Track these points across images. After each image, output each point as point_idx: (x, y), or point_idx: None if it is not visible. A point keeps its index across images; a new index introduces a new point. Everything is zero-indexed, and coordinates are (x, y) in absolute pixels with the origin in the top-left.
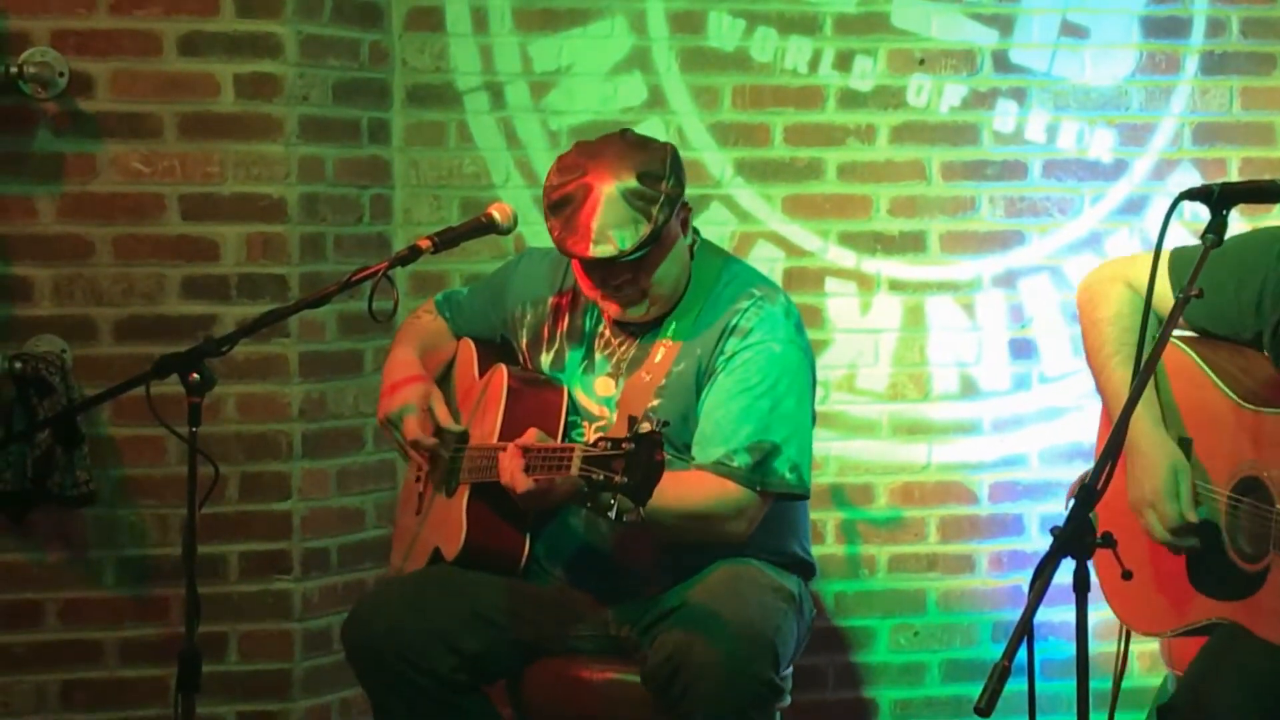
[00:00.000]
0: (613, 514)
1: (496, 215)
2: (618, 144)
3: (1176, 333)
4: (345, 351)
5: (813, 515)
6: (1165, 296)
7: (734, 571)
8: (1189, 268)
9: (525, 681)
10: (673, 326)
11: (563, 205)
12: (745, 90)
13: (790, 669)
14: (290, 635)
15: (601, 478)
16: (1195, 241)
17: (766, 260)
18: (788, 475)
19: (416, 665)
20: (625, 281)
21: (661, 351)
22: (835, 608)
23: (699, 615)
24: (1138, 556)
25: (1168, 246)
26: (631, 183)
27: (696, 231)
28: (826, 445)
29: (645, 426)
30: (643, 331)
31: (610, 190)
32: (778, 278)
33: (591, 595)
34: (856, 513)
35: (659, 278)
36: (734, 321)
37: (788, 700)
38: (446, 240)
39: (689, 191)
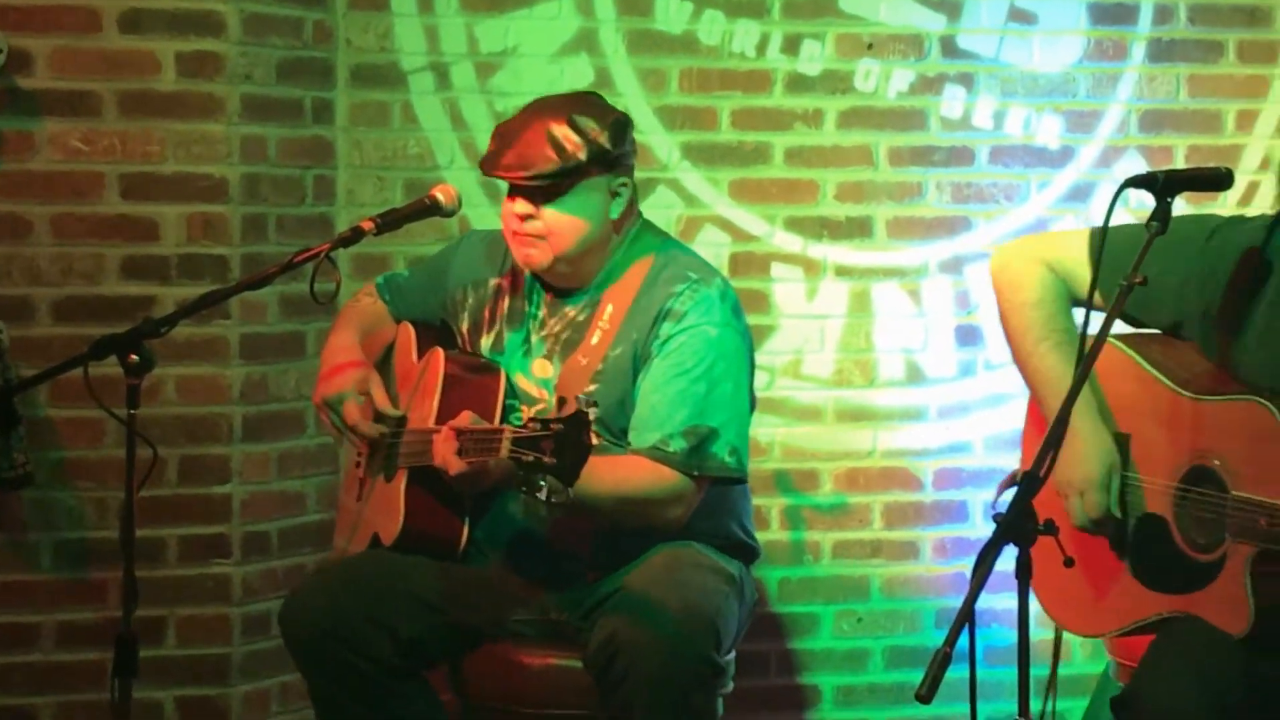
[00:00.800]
0: (542, 495)
1: (440, 197)
2: (576, 95)
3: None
4: (287, 334)
5: (757, 501)
6: (1084, 275)
7: (674, 554)
8: (1112, 246)
9: (466, 666)
10: (609, 309)
11: (500, 133)
12: (692, 73)
13: (732, 653)
14: (229, 620)
15: (531, 459)
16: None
17: (713, 245)
18: (726, 459)
19: (354, 650)
20: (528, 215)
21: (598, 334)
22: (779, 593)
23: (638, 597)
24: (1089, 561)
25: (1090, 224)
26: (563, 124)
27: (643, 216)
28: (772, 431)
29: (573, 407)
30: (580, 314)
31: (542, 124)
32: (724, 262)
33: (530, 580)
34: (801, 499)
35: (561, 226)
36: (669, 305)
37: (730, 685)
38: (390, 222)
39: (636, 175)
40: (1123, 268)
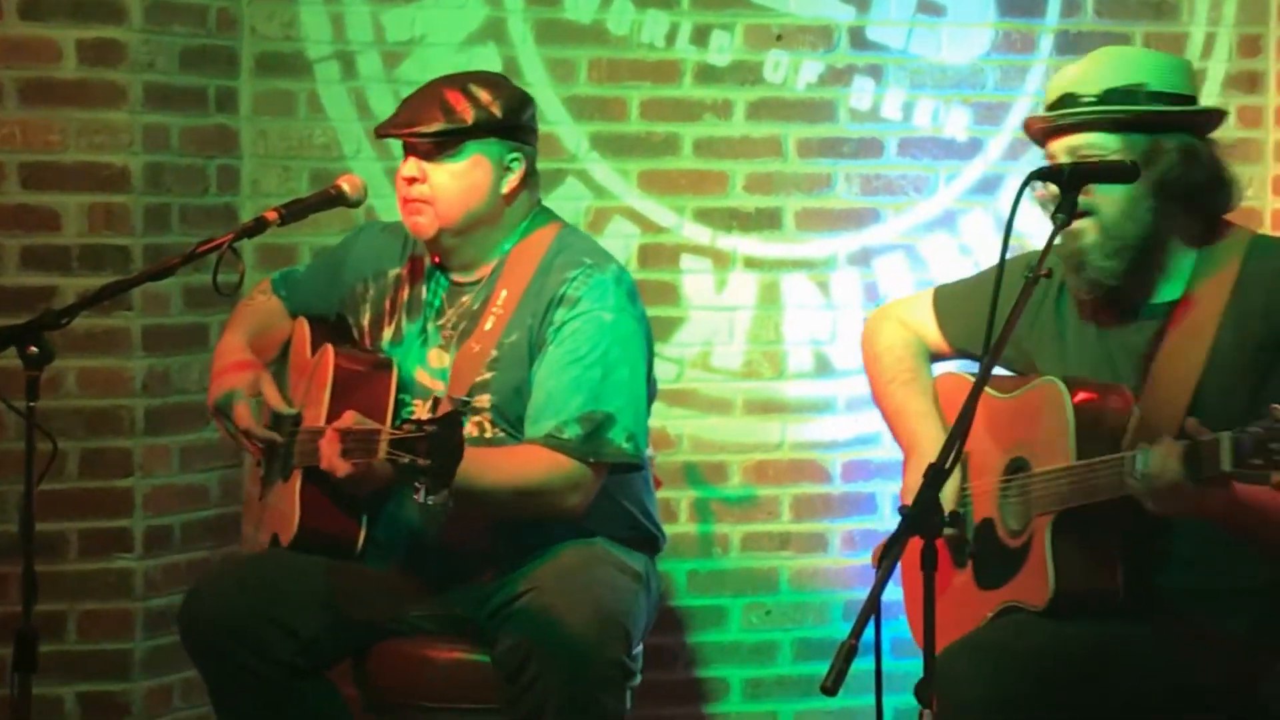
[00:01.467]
0: (420, 497)
1: (346, 187)
2: (480, 71)
3: (955, 368)
4: (190, 325)
5: (666, 494)
6: (930, 327)
7: (581, 553)
8: (953, 304)
9: (370, 662)
10: (503, 295)
11: (402, 102)
12: (601, 63)
13: (640, 647)
14: (131, 614)
15: (407, 460)
16: (1043, 226)
17: (621, 236)
18: (624, 444)
19: (252, 650)
20: (415, 179)
21: (491, 320)
22: (687, 586)
23: (549, 601)
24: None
25: (938, 281)
26: (456, 90)
27: (542, 203)
28: (680, 423)
29: (447, 407)
30: (476, 302)
31: (437, 90)
32: (633, 254)
33: (431, 578)
34: (710, 491)
35: (447, 191)
36: (563, 291)
37: (638, 679)
38: (294, 212)
39: (542, 165)
40: (959, 314)
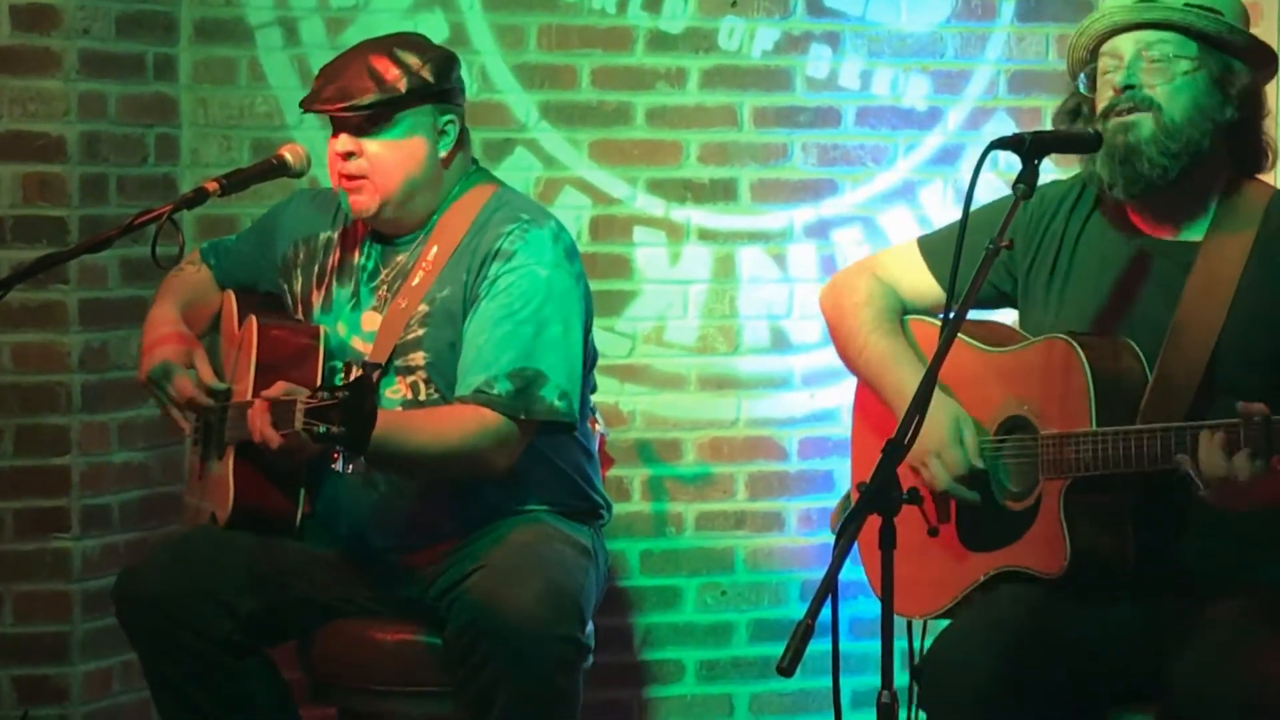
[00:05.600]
0: (339, 466)
1: (288, 157)
2: (400, 33)
3: (930, 317)
4: (128, 299)
5: (618, 471)
6: (910, 277)
7: (530, 531)
8: (942, 247)
9: (315, 642)
10: (434, 250)
11: (324, 71)
12: (551, 30)
13: (591, 625)
14: (69, 596)
15: (322, 429)
16: (995, 196)
17: (573, 208)
18: (557, 403)
19: (189, 627)
20: (350, 153)
21: (419, 276)
22: (641, 566)
23: (498, 579)
24: (901, 541)
25: (917, 233)
26: (384, 57)
27: (478, 163)
28: (633, 400)
29: (358, 372)
30: (410, 259)
31: (363, 58)
32: (584, 226)
33: (375, 553)
34: (663, 469)
35: (384, 163)
36: (498, 245)
37: (590, 660)
38: (235, 182)
39: (490, 134)
40: (949, 255)
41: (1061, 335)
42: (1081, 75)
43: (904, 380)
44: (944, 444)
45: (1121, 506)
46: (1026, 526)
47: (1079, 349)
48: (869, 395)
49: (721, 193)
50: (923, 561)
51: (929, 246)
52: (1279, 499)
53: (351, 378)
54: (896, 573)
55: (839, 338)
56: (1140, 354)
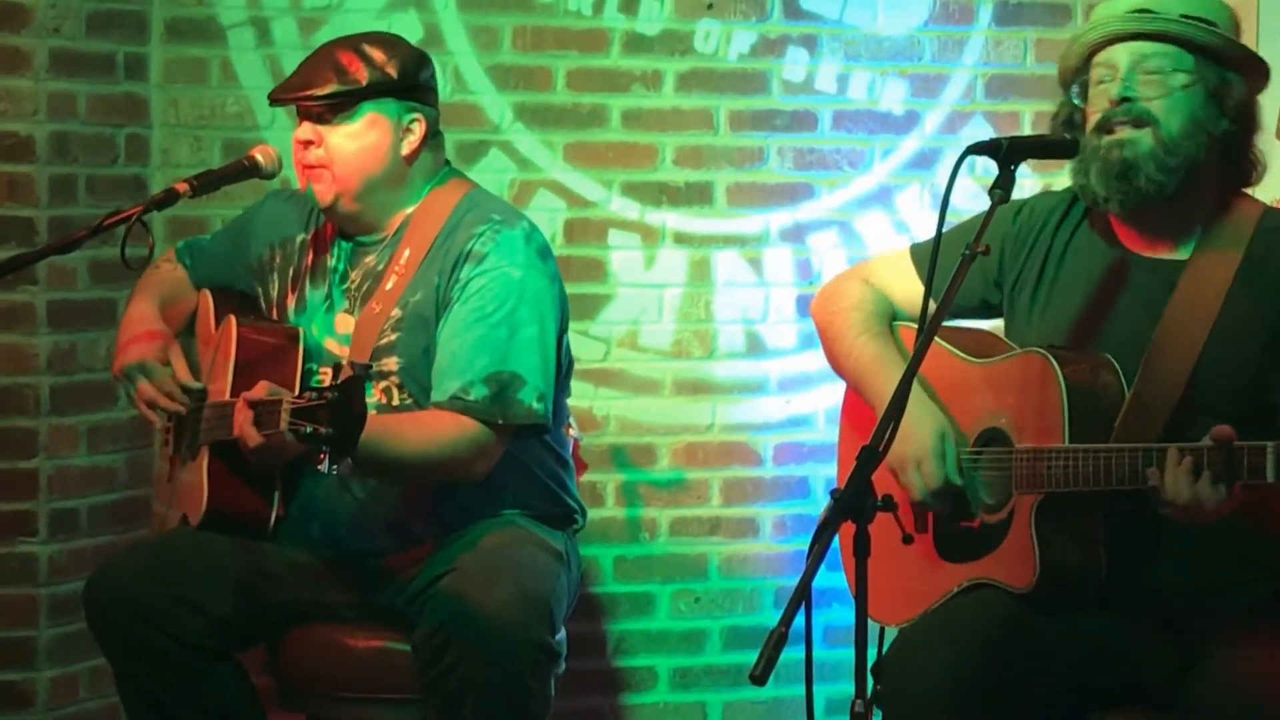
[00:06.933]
0: (324, 467)
1: (260, 158)
2: (374, 32)
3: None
4: (97, 300)
5: (592, 477)
6: (901, 285)
7: (502, 535)
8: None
9: (285, 648)
10: (406, 254)
11: (296, 68)
12: (526, 31)
13: (563, 631)
14: (35, 601)
15: (309, 430)
16: (972, 201)
17: (547, 211)
18: (534, 405)
19: (159, 629)
20: (309, 142)
21: (392, 280)
22: (614, 572)
23: (468, 583)
24: (880, 547)
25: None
26: (349, 51)
27: (450, 165)
28: (607, 404)
29: (348, 373)
30: (380, 261)
31: (330, 52)
32: (559, 229)
33: (351, 557)
34: (637, 474)
35: (343, 155)
36: (470, 247)
37: (562, 666)
38: (206, 183)
39: (464, 136)
40: (943, 270)
41: (1039, 349)
42: (1074, 85)
43: (890, 383)
44: (925, 455)
45: (1093, 524)
46: (1000, 540)
47: (1055, 363)
48: (856, 400)
49: (697, 196)
50: (900, 569)
51: (920, 254)
52: (1245, 511)
53: (342, 378)
54: (874, 579)
55: (827, 340)
56: (1119, 370)
